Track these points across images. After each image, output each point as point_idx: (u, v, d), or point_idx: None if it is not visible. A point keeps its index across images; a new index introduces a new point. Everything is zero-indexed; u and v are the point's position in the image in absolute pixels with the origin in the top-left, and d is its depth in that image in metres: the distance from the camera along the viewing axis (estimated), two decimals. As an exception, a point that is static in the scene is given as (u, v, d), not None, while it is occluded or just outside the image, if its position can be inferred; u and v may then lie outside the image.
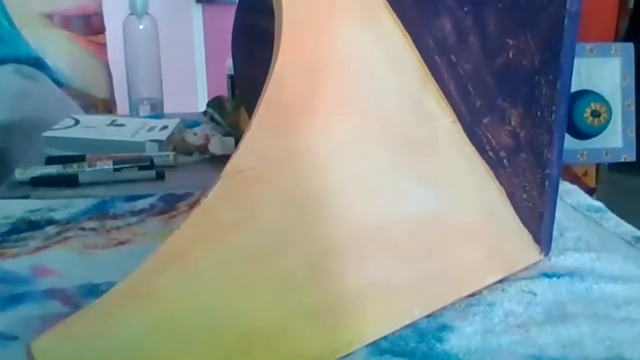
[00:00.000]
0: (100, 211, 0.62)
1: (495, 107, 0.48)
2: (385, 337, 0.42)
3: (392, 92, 0.46)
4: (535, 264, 0.51)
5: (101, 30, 1.43)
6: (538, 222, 0.51)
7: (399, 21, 0.45)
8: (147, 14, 1.04)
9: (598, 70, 0.56)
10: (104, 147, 0.79)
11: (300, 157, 0.41)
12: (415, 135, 0.47)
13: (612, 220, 0.61)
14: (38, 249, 0.54)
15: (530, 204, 0.50)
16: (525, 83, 0.47)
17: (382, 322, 0.42)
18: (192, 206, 0.63)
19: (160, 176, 0.73)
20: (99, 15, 1.42)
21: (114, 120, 0.88)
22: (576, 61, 0.45)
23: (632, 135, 0.56)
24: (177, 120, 0.89)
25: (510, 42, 0.46)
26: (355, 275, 0.42)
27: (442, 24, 0.46)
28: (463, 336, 0.42)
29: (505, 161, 0.49)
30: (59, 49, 1.39)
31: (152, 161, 0.75)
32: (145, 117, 0.98)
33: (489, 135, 0.49)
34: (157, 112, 1.04)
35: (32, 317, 0.44)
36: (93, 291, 0.47)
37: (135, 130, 0.84)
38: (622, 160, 0.56)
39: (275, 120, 0.40)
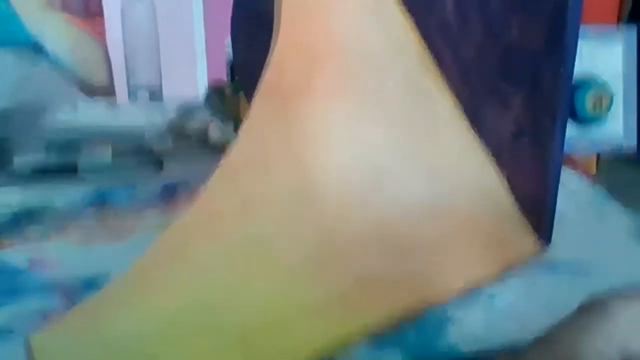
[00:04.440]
0: (99, 201, 0.62)
1: (497, 91, 0.48)
2: (384, 331, 0.42)
3: (392, 75, 0.45)
4: (536, 254, 0.51)
5: (99, 12, 1.42)
6: (539, 211, 0.50)
7: (400, 1, 0.45)
8: (145, -4, 1.04)
9: (600, 55, 0.55)
10: (103, 134, 0.78)
11: (299, 142, 0.41)
12: (415, 119, 0.46)
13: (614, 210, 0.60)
14: (36, 240, 0.54)
15: (531, 193, 0.50)
16: (527, 67, 0.46)
17: (381, 315, 0.42)
18: (191, 195, 0.63)
19: (159, 165, 0.73)
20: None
21: (113, 107, 0.88)
22: (578, 45, 0.45)
23: (633, 124, 0.56)
24: (176, 106, 0.88)
25: (513, 24, 0.46)
26: (354, 268, 0.42)
27: (443, 4, 0.45)
28: (463, 328, 0.42)
29: (506, 147, 0.49)
30: (57, 33, 1.38)
31: (151, 149, 0.75)
32: (144, 103, 0.97)
33: (490, 120, 0.48)
34: (156, 98, 1.04)
35: (30, 310, 0.44)
36: (92, 283, 0.47)
37: (134, 116, 0.83)
38: (623, 149, 0.56)
39: (274, 105, 0.40)
